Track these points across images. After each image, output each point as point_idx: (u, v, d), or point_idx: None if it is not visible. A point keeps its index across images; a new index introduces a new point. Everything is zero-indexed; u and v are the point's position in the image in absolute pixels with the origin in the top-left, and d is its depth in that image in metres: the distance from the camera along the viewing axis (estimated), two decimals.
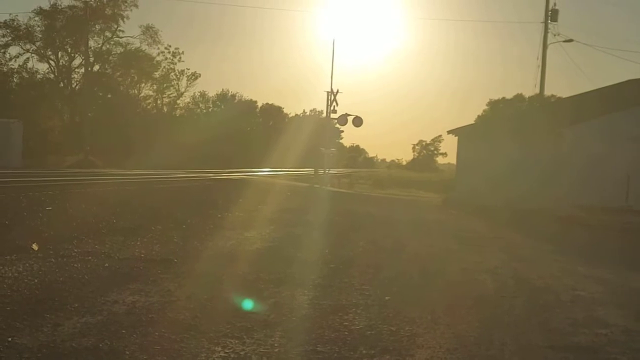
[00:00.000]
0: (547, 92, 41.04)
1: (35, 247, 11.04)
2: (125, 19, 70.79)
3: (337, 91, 41.24)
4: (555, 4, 39.61)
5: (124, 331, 6.49)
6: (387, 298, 8.81)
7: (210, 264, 10.98)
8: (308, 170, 55.70)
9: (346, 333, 6.94)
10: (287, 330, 6.91)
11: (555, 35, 39.53)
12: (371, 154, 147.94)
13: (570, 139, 27.98)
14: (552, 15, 39.54)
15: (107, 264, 10.19)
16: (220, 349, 6.12)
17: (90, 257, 10.66)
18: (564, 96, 43.58)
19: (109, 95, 72.20)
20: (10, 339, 5.99)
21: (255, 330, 6.82)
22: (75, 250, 11.22)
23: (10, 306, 7.21)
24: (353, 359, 6.06)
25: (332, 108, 41.16)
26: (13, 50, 66.28)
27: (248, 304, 7.97)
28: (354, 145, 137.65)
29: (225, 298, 8.37)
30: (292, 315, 7.64)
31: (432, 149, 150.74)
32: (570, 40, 40.07)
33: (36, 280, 8.66)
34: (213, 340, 6.35)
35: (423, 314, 7.96)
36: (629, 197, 26.67)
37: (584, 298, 9.70)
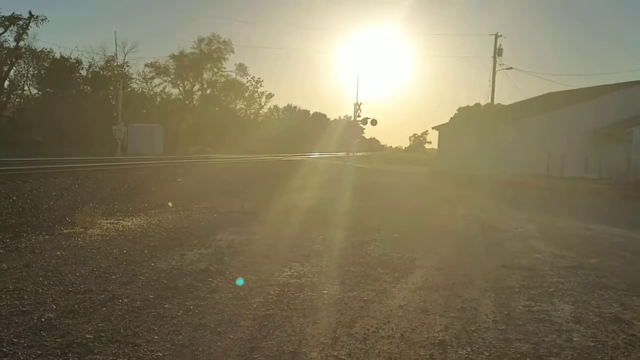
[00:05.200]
0: (496, 101, 39.88)
1: (170, 204, 11.01)
2: (226, 60, 70.68)
3: (361, 103, 41.91)
4: (500, 45, 38.62)
5: (225, 258, 6.36)
6: (395, 235, 8.57)
7: (281, 214, 10.84)
8: (342, 154, 55.46)
9: (369, 259, 6.72)
10: (331, 257, 6.71)
11: (500, 65, 38.61)
12: (383, 142, 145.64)
13: (508, 132, 27.35)
14: (498, 52, 38.61)
15: (215, 215, 10.11)
16: (287, 269, 5.95)
17: (204, 211, 10.60)
18: (506, 104, 42.40)
19: (217, 109, 71.95)
20: (152, 264, 5.90)
21: (311, 257, 6.63)
22: (195, 206, 11.17)
23: (154, 243, 7.14)
24: (373, 275, 5.84)
25: (357, 114, 41.08)
26: (156, 81, 66.99)
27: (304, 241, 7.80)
28: (372, 137, 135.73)
29: (291, 236, 8.21)
30: (334, 247, 7.44)
31: (422, 139, 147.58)
32: (510, 68, 39.18)
33: (170, 226, 8.60)
34: (283, 264, 6.18)
35: (419, 245, 7.70)
36: (549, 168, 25.99)
37: (523, 234, 9.33)
